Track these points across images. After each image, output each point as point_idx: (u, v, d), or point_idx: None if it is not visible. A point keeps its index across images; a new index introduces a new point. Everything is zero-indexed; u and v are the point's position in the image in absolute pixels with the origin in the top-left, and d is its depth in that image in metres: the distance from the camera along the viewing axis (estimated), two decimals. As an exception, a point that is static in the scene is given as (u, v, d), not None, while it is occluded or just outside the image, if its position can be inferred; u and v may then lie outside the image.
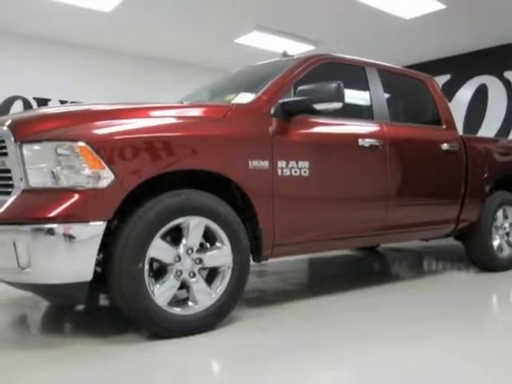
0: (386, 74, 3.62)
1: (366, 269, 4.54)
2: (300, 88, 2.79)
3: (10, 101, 6.56)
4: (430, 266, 4.64)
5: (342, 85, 2.71)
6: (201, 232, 2.40)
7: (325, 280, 4.00)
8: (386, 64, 3.73)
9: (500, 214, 4.27)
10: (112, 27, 6.15)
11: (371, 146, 3.20)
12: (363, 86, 3.44)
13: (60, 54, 6.84)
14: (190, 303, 2.39)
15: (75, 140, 2.12)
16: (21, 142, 2.14)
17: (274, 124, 2.74)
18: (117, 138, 2.19)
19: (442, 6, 5.24)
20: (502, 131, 6.75)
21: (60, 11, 5.51)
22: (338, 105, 2.73)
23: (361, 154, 3.16)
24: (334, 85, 2.69)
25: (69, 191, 2.11)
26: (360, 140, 3.14)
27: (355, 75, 3.43)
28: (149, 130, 2.30)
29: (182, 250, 2.36)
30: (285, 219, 2.75)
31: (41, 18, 5.81)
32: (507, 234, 4.36)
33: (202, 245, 2.45)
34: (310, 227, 2.94)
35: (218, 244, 2.47)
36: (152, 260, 2.28)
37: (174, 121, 2.44)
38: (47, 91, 6.81)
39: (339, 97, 2.71)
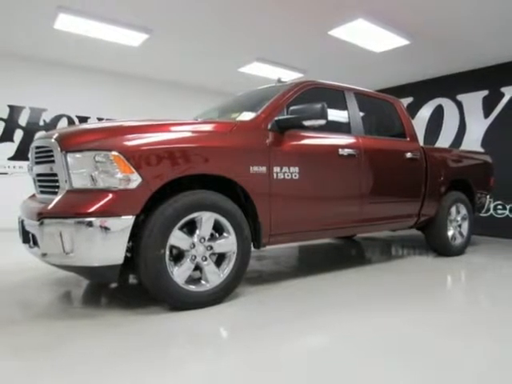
0: (361, 97, 3.62)
1: (346, 254, 4.53)
2: (291, 108, 2.79)
3: (57, 118, 6.57)
4: (397, 252, 4.63)
5: (325, 105, 2.71)
6: (211, 224, 2.40)
7: (312, 263, 3.99)
8: (361, 88, 3.73)
9: (453, 209, 4.28)
10: (139, 58, 6.17)
11: (349, 155, 3.21)
12: (343, 106, 3.44)
13: (98, 80, 6.84)
14: (203, 282, 2.40)
15: (110, 150, 2.12)
16: (65, 152, 2.15)
17: (271, 137, 2.74)
18: (143, 148, 2.19)
19: (406, 42, 5.28)
20: (455, 143, 6.76)
21: (98, 46, 5.52)
22: (322, 121, 2.74)
23: (340, 161, 3.16)
24: (319, 105, 2.70)
25: (104, 191, 2.11)
26: (340, 150, 3.15)
27: (336, 97, 3.43)
28: (169, 142, 2.30)
29: (196, 238, 2.36)
30: (279, 214, 2.75)
31: (82, 51, 5.83)
32: (459, 226, 4.38)
33: (212, 235, 2.45)
34: (299, 220, 2.93)
35: (225, 234, 2.48)
36: (172, 247, 2.29)
37: (189, 134, 2.43)
38: (87, 110, 6.82)
39: (323, 115, 2.71)
